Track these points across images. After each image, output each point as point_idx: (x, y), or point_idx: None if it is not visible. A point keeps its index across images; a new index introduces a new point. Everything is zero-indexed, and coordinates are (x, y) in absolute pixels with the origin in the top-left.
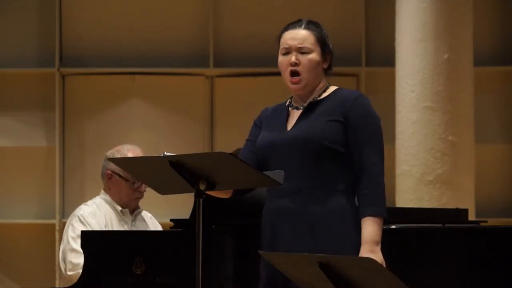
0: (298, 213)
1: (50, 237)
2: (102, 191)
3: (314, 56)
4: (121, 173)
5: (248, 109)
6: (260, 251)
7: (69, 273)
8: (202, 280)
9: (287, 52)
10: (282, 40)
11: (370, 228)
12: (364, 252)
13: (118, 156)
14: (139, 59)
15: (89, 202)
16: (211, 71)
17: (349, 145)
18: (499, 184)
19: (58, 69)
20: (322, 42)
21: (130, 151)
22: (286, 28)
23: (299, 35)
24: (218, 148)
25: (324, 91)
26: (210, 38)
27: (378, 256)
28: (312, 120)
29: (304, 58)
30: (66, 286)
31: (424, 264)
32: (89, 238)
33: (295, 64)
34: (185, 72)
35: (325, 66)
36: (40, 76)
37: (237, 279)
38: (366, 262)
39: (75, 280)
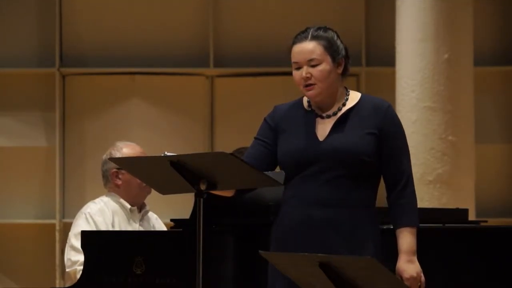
0: (331, 225)
1: (50, 237)
2: (108, 192)
3: (324, 66)
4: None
5: (248, 109)
6: (260, 251)
7: (67, 269)
8: (202, 280)
9: (298, 66)
10: (292, 54)
11: (408, 239)
12: (403, 262)
13: (118, 154)
14: (139, 59)
15: (97, 200)
16: (211, 71)
17: (379, 156)
18: (499, 184)
19: (58, 69)
20: (330, 49)
21: (125, 147)
22: (294, 41)
23: (306, 49)
24: (218, 148)
25: (347, 97)
26: (210, 38)
27: (416, 266)
28: (348, 132)
29: (315, 70)
30: (68, 284)
31: (424, 264)
32: (89, 238)
33: (307, 79)
34: (185, 72)
35: (339, 71)
36: (40, 76)
37: (237, 279)
38: (366, 262)
39: (73, 277)
